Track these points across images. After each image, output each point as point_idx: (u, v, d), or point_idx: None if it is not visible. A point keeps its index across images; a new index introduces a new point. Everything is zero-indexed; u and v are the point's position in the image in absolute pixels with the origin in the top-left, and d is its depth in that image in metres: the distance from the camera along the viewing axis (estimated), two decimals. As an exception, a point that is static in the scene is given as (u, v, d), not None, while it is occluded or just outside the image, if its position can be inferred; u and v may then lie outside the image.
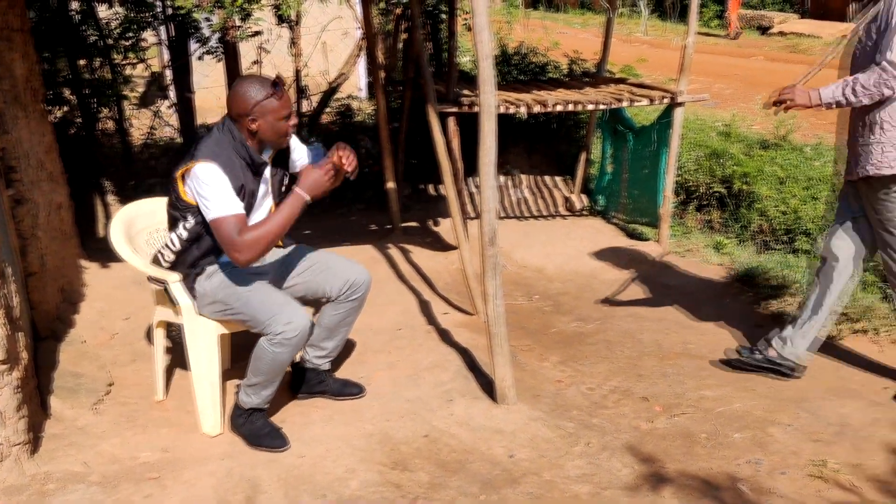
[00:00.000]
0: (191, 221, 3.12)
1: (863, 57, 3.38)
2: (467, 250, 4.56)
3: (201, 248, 3.17)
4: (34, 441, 3.00)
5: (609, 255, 5.70)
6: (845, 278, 3.66)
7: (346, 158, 3.13)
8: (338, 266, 3.48)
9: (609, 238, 6.05)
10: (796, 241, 5.60)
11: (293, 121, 3.14)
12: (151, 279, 3.33)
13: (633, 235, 6.16)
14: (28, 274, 3.84)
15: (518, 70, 7.86)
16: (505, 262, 4.80)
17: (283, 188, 3.36)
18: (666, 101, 5.52)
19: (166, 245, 3.22)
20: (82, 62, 5.84)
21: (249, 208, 3.13)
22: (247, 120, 3.03)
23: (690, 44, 5.38)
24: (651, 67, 11.49)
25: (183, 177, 3.06)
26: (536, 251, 5.72)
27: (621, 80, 6.43)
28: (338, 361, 3.94)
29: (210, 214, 3.00)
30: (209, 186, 2.98)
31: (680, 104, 5.52)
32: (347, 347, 4.11)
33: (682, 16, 6.11)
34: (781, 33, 16.72)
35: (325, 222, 6.40)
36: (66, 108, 5.91)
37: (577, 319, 4.63)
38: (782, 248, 5.65)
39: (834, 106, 3.34)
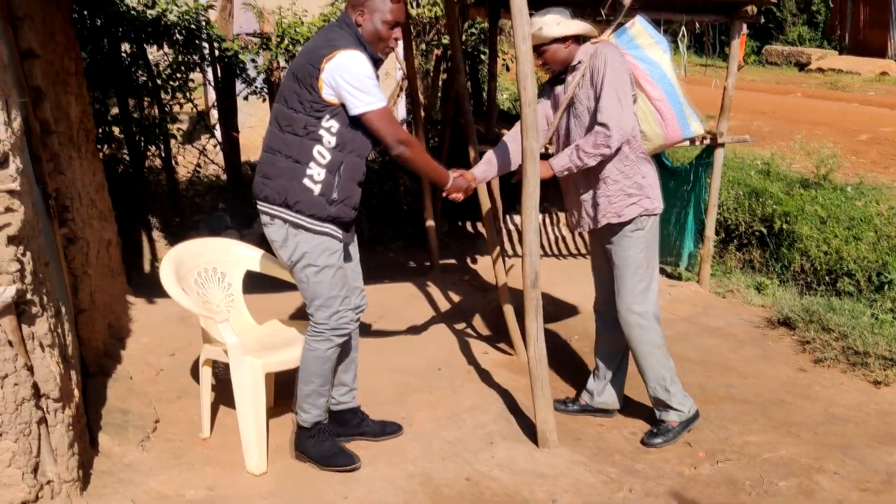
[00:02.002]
0: (335, 125, 3.02)
1: (582, 119, 3.53)
2: (507, 290, 4.58)
3: (349, 167, 3.08)
4: (84, 478, 3.05)
5: (649, 295, 5.67)
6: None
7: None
8: (358, 274, 3.61)
9: (648, 278, 6.02)
10: (839, 283, 5.54)
11: (397, 34, 3.11)
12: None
13: (672, 275, 6.13)
14: (78, 311, 3.93)
15: (556, 109, 7.91)
16: (544, 300, 4.78)
17: None
18: (707, 141, 5.53)
19: (312, 162, 3.04)
20: (131, 101, 6.00)
21: None
22: (356, 10, 3.03)
23: (730, 85, 5.40)
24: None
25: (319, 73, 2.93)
26: (576, 290, 5.70)
27: (661, 120, 6.44)
28: (378, 401, 3.96)
29: (369, 106, 2.94)
30: (362, 75, 2.92)
31: (721, 145, 5.52)
32: (387, 387, 4.14)
33: (719, 49, 6.12)
34: (820, 69, 16.64)
35: (364, 259, 6.44)
36: (114, 146, 6.07)
37: (617, 361, 4.60)
38: (824, 290, 5.59)
39: (566, 172, 3.51)
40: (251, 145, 7.58)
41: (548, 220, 6.91)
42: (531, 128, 3.25)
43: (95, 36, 5.64)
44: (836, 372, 4.41)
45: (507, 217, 6.68)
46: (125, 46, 5.92)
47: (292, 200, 3.05)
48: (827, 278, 5.70)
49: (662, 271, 6.23)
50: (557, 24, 3.48)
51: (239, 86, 6.48)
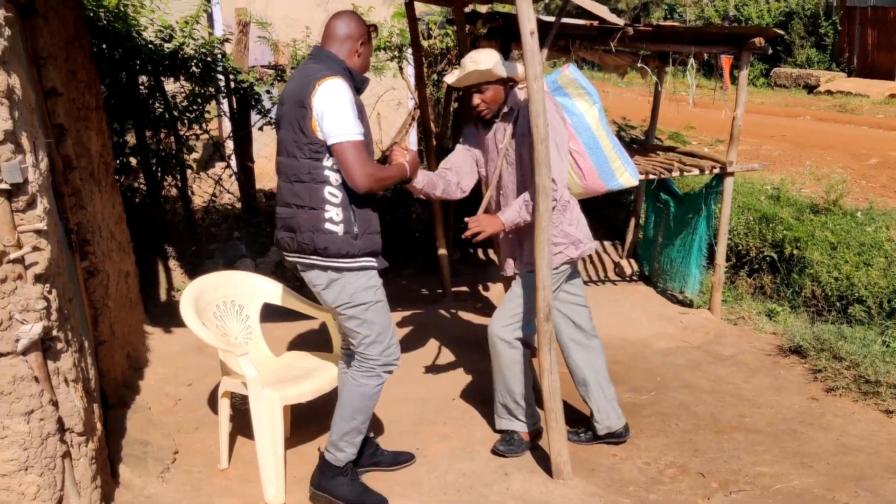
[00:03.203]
0: (333, 166, 3.04)
1: (516, 166, 3.60)
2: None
3: (358, 198, 3.09)
4: (106, 511, 3.11)
5: (660, 323, 5.71)
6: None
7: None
8: None
9: (659, 305, 6.07)
10: (850, 309, 5.56)
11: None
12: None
13: (683, 303, 6.16)
14: (98, 343, 3.99)
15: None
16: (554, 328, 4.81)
17: None
18: (716, 170, 5.58)
19: (327, 205, 3.04)
20: (149, 133, 6.10)
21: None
22: (357, 43, 3.11)
23: (739, 115, 5.46)
24: (697, 128, 11.55)
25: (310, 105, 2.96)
26: (587, 318, 5.74)
27: (671, 149, 6.51)
28: (393, 432, 4.01)
29: (339, 136, 2.93)
30: (334, 104, 2.93)
31: (730, 174, 5.58)
32: (401, 417, 4.18)
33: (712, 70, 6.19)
34: (829, 92, 16.67)
35: (377, 286, 6.51)
36: (131, 176, 6.17)
37: (630, 390, 4.64)
38: (836, 316, 5.61)
39: (514, 226, 3.54)
40: (265, 174, 7.69)
41: (559, 247, 6.95)
42: (543, 164, 3.31)
43: (114, 69, 5.74)
44: (848, 401, 4.43)
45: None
46: (143, 79, 6.02)
47: (321, 246, 3.06)
48: (838, 304, 5.72)
49: (672, 298, 6.26)
50: (500, 62, 3.49)
51: (254, 116, 6.58)
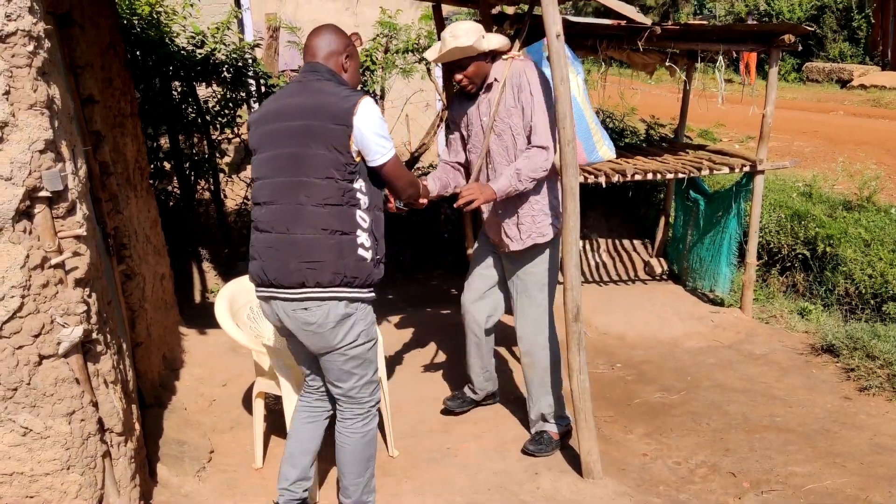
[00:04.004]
0: (363, 184, 2.86)
1: (503, 138, 3.56)
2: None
3: (378, 223, 2.93)
4: (145, 509, 3.19)
5: (691, 322, 5.69)
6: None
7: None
8: None
9: (690, 304, 6.04)
10: (884, 307, 5.50)
11: None
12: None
13: (714, 302, 6.13)
14: (135, 344, 4.08)
15: (595, 135, 7.97)
16: (585, 328, 4.83)
17: None
18: (746, 169, 5.55)
19: (359, 230, 2.83)
20: (182, 137, 6.20)
21: None
22: (341, 57, 2.92)
23: (769, 113, 5.42)
24: (727, 125, 11.47)
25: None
26: (617, 317, 5.75)
27: (700, 147, 6.47)
28: (424, 431, 4.05)
29: (391, 153, 2.84)
30: (381, 120, 2.80)
31: (760, 172, 5.54)
32: (431, 417, 4.21)
33: (759, 67, 6.12)
34: (862, 86, 16.44)
35: (406, 287, 6.57)
36: (165, 181, 6.28)
37: (661, 389, 4.64)
38: (870, 314, 5.56)
39: (506, 195, 3.49)
40: (296, 176, 7.75)
41: (587, 247, 6.95)
42: (570, 165, 3.33)
43: (148, 76, 5.85)
44: (882, 400, 4.39)
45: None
46: (176, 85, 6.13)
47: (352, 276, 2.81)
48: (872, 302, 5.66)
49: (703, 297, 6.24)
50: (483, 36, 3.43)
51: (284, 120, 6.65)
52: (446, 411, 4.21)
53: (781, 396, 4.50)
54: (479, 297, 3.94)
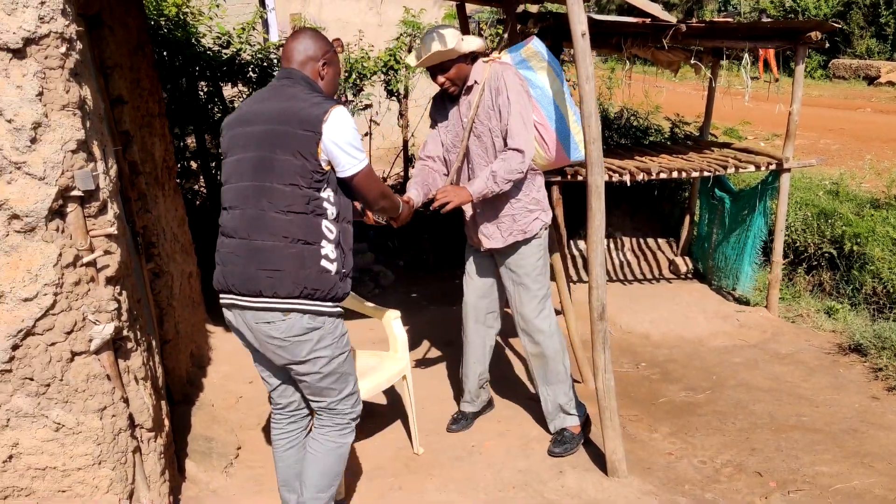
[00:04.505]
0: (331, 193, 2.75)
1: (483, 139, 3.59)
2: (573, 318, 4.63)
3: (346, 236, 2.83)
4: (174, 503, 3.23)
5: (717, 321, 5.66)
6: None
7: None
8: None
9: (715, 303, 6.01)
10: (913, 306, 5.45)
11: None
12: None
13: (740, 301, 6.09)
14: (164, 342, 4.13)
15: (619, 134, 7.95)
16: (610, 327, 4.83)
17: None
18: (772, 167, 5.51)
19: (324, 240, 2.73)
20: (208, 137, 6.26)
21: None
22: (318, 64, 2.84)
23: (796, 111, 5.38)
24: (753, 123, 11.38)
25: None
26: (642, 316, 5.73)
27: (725, 145, 6.43)
28: (447, 430, 4.06)
29: (362, 164, 2.73)
30: (354, 131, 2.71)
31: (787, 170, 5.50)
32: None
33: (785, 64, 6.08)
34: (890, 83, 16.24)
35: (430, 286, 6.59)
36: (192, 180, 6.34)
37: (686, 389, 4.62)
38: (898, 314, 5.50)
39: (482, 197, 3.50)
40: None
41: (612, 245, 6.93)
42: (596, 163, 3.33)
43: (175, 76, 5.92)
44: (911, 400, 4.35)
45: (570, 243, 6.73)
46: (202, 85, 6.19)
47: (313, 287, 2.70)
48: (900, 301, 5.61)
49: (728, 296, 6.20)
50: (462, 39, 3.47)
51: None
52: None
53: (808, 396, 4.47)
54: (480, 296, 3.97)
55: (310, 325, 2.74)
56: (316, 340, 2.77)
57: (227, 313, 2.88)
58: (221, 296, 2.85)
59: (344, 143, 2.67)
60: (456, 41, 3.42)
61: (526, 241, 3.70)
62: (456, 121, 3.69)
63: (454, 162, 3.72)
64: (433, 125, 3.86)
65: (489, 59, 3.63)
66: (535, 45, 3.76)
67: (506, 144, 3.52)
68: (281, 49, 6.59)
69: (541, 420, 4.09)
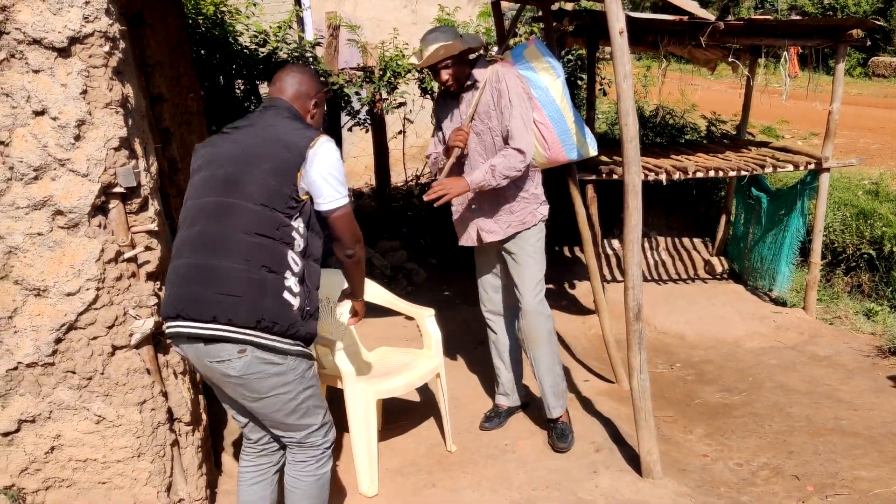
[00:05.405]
0: (301, 225, 2.55)
1: (483, 137, 3.66)
2: (607, 317, 4.61)
3: (313, 275, 2.62)
4: (211, 497, 3.26)
5: (753, 323, 5.60)
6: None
7: None
8: None
9: (752, 304, 5.94)
10: (955, 309, 5.35)
11: None
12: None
13: (777, 302, 6.02)
14: (201, 337, 4.17)
15: (654, 132, 7.89)
16: (644, 327, 4.80)
17: None
18: (811, 166, 5.43)
19: (288, 271, 2.51)
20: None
21: None
22: (309, 102, 2.75)
23: (836, 109, 5.30)
24: (791, 121, 11.22)
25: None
26: (677, 317, 5.69)
27: (763, 144, 6.35)
28: (479, 429, 4.06)
29: (344, 200, 2.58)
30: (341, 164, 2.59)
31: (826, 170, 5.42)
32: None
33: (823, 61, 5.98)
34: (932, 81, 15.95)
35: (463, 284, 6.57)
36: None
37: (721, 390, 4.57)
38: (940, 316, 5.41)
39: (479, 188, 3.55)
40: (353, 173, 7.87)
41: (647, 245, 6.88)
42: (633, 162, 3.31)
43: (212, 74, 5.98)
44: (954, 404, 4.27)
45: (605, 242, 6.70)
46: (239, 83, 6.24)
47: (272, 320, 2.45)
48: (942, 304, 5.51)
49: (765, 297, 6.13)
50: (460, 36, 3.53)
51: (343, 118, 6.73)
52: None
53: (847, 399, 4.40)
54: (494, 290, 4.02)
55: (269, 361, 2.48)
56: (276, 375, 2.52)
57: (176, 349, 2.58)
58: (168, 325, 2.51)
59: (329, 174, 2.53)
60: (455, 37, 3.49)
61: (525, 231, 3.77)
62: (457, 118, 3.75)
63: (451, 156, 3.72)
64: (437, 126, 3.92)
65: (492, 59, 3.68)
66: (537, 46, 3.84)
67: (506, 144, 3.59)
68: (316, 47, 6.66)
69: (575, 420, 4.07)
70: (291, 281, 2.50)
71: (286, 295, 2.48)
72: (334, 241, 2.68)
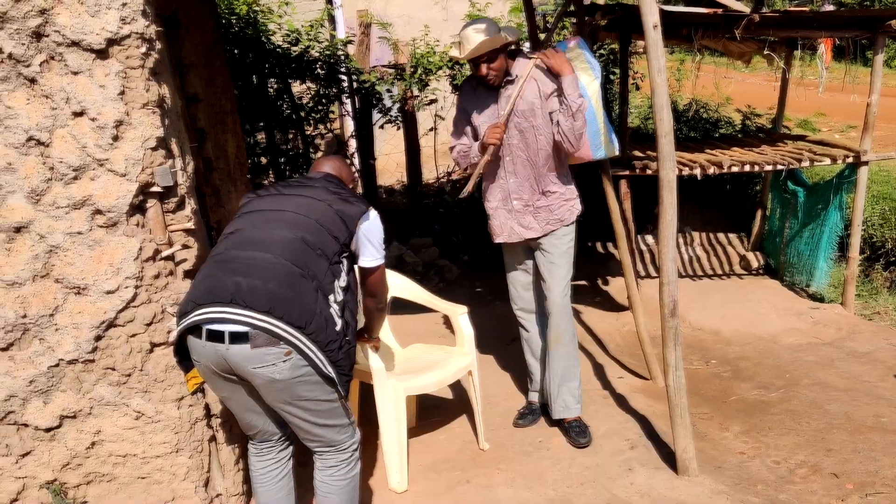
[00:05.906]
0: (346, 265, 2.76)
1: (526, 135, 3.64)
2: (641, 313, 4.57)
3: (351, 313, 2.73)
4: (248, 492, 3.29)
5: (790, 318, 5.52)
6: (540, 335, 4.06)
7: None
8: None
9: (788, 299, 5.87)
10: None
11: None
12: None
13: (814, 297, 5.93)
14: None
15: (688, 126, 7.81)
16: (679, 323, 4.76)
17: None
18: (849, 160, 5.34)
19: (332, 295, 2.62)
20: (277, 133, 6.37)
21: None
22: (351, 184, 3.08)
23: (874, 101, 5.21)
24: (828, 114, 11.05)
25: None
26: (712, 312, 5.63)
27: (799, 137, 6.27)
28: (513, 426, 4.05)
29: (379, 260, 2.87)
30: (381, 232, 2.88)
31: (864, 163, 5.33)
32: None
33: (861, 52, 5.86)
34: (974, 71, 15.58)
35: (495, 280, 6.56)
36: (262, 176, 6.46)
37: (758, 387, 4.52)
38: (983, 312, 5.30)
39: (572, 90, 3.53)
40: (386, 171, 7.90)
41: (682, 240, 6.82)
42: (668, 157, 3.28)
43: (246, 74, 6.03)
44: None
45: (639, 237, 6.65)
46: (271, 82, 6.30)
47: (317, 327, 2.51)
48: None
49: (801, 292, 6.05)
50: (500, 30, 3.51)
51: (375, 115, 6.77)
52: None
53: (887, 396, 4.33)
54: (524, 287, 4.00)
55: (310, 369, 2.53)
56: (314, 383, 2.57)
57: (195, 343, 2.52)
58: (197, 314, 2.47)
59: (374, 239, 2.83)
60: (496, 31, 3.49)
61: (564, 226, 3.80)
62: (492, 113, 3.71)
63: (486, 151, 3.67)
64: (463, 118, 3.85)
65: (535, 56, 3.65)
66: (580, 46, 3.85)
67: (554, 144, 3.63)
68: (348, 45, 6.68)
69: (609, 416, 4.06)
70: (335, 307, 2.62)
71: (333, 310, 2.60)
72: (367, 294, 3.00)
